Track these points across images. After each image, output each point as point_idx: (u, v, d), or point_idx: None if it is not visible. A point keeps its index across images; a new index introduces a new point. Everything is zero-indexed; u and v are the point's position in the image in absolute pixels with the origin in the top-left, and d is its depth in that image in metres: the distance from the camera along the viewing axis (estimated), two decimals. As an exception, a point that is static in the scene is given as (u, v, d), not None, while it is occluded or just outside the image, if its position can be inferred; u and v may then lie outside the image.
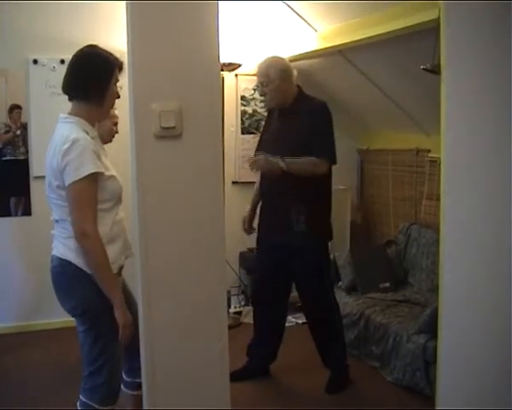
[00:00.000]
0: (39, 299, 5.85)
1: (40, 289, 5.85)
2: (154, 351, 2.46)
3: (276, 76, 4.28)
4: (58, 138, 2.93)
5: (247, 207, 4.70)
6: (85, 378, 3.08)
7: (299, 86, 4.43)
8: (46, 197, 3.06)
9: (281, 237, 4.36)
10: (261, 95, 4.57)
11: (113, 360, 3.02)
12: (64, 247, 2.99)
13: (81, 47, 3.07)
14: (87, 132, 2.92)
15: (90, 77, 2.93)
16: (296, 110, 4.33)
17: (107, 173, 2.89)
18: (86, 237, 2.81)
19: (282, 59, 4.44)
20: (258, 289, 4.82)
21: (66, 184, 2.82)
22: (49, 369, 4.95)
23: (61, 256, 3.01)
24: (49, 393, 4.51)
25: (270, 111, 4.67)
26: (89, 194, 2.82)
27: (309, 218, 4.25)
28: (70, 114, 3.00)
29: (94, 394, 3.03)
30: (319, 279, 4.43)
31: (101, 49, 2.97)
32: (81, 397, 3.08)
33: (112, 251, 2.90)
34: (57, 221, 3.04)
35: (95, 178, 2.82)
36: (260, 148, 4.54)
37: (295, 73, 4.41)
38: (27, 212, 5.78)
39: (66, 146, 2.82)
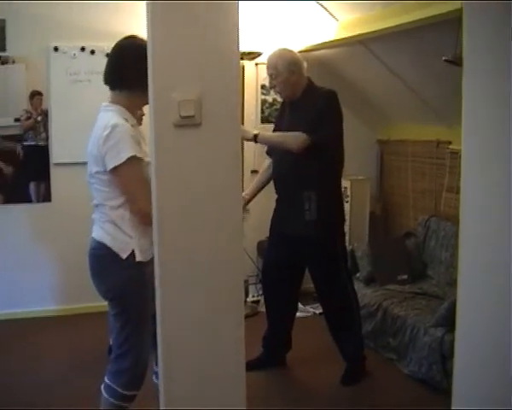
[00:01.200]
0: (57, 285, 5.91)
1: (59, 274, 5.91)
2: (171, 339, 2.46)
3: (283, 68, 4.28)
4: (99, 126, 3.03)
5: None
6: (112, 361, 3.15)
7: (309, 78, 4.41)
8: (87, 183, 3.15)
9: (291, 225, 4.37)
10: (270, 87, 4.57)
11: (139, 347, 3.06)
12: (102, 230, 3.07)
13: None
14: (126, 120, 3.01)
15: (131, 67, 2.98)
16: (305, 102, 4.32)
17: (146, 160, 2.94)
18: (141, 215, 2.92)
19: (291, 51, 4.42)
20: (266, 279, 4.80)
21: (109, 168, 2.92)
22: (65, 355, 5.00)
23: (98, 239, 3.08)
24: (64, 379, 4.56)
25: (283, 103, 4.68)
26: (134, 176, 2.92)
27: (320, 205, 4.24)
28: (111, 102, 3.09)
29: (118, 377, 3.09)
30: (333, 268, 4.43)
31: (141, 39, 2.99)
32: (106, 380, 3.14)
33: (149, 236, 2.87)
34: (97, 206, 3.12)
35: (136, 161, 2.91)
36: None
37: (305, 65, 4.39)
38: (47, 198, 5.82)
39: (106, 132, 2.92)
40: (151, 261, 2.96)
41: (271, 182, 4.59)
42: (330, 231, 4.37)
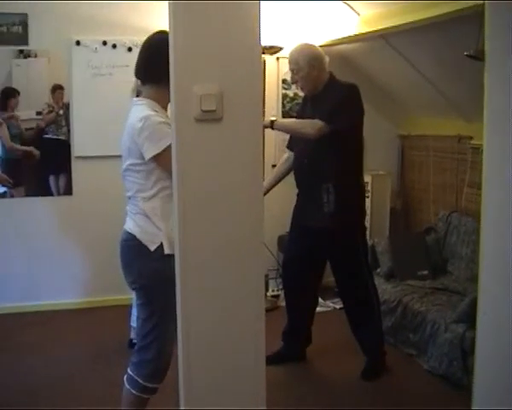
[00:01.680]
0: (80, 277, 5.95)
1: (81, 267, 5.95)
2: (190, 332, 2.47)
3: (304, 64, 4.28)
4: (131, 120, 3.09)
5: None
6: (135, 352, 3.19)
7: (331, 73, 4.40)
8: (121, 175, 3.22)
9: (310, 218, 4.38)
10: (292, 82, 4.61)
11: (163, 339, 3.08)
12: (133, 222, 3.13)
13: (152, 33, 3.22)
14: (157, 112, 3.06)
15: (159, 62, 2.93)
16: (326, 95, 4.32)
17: None
18: None
19: (312, 46, 4.43)
20: (287, 273, 4.79)
21: (149, 157, 2.98)
22: (85, 347, 5.04)
23: (129, 231, 3.13)
24: (85, 371, 4.60)
25: (304, 97, 4.68)
26: None
27: (339, 198, 4.24)
28: (143, 97, 3.16)
29: (141, 369, 3.11)
30: (354, 262, 4.43)
31: (166, 32, 3.01)
32: (128, 371, 3.17)
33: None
34: (129, 198, 3.18)
35: None
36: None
37: (327, 59, 4.38)
38: (68, 191, 5.86)
39: (140, 124, 2.99)
40: None
41: (290, 176, 4.59)
42: (349, 223, 4.35)
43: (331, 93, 4.28)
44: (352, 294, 4.54)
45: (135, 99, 3.21)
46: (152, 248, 3.03)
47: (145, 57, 3.15)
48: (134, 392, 3.11)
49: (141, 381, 3.10)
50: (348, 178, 4.34)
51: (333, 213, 4.25)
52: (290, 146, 4.66)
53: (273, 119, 4.36)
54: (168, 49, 2.74)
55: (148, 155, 2.97)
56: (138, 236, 3.07)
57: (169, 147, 2.87)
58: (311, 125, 4.19)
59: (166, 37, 3.04)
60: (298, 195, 4.57)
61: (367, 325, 4.51)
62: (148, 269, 3.06)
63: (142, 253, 3.05)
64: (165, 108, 3.12)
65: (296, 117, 4.76)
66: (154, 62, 3.08)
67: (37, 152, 5.74)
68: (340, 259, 4.47)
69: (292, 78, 4.46)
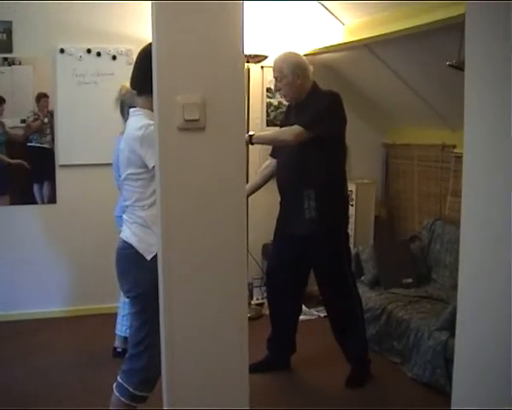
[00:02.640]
0: (64, 286, 5.92)
1: (65, 276, 5.93)
2: (174, 342, 2.47)
3: (288, 72, 4.30)
4: (129, 130, 3.13)
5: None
6: (126, 360, 3.20)
7: (314, 82, 4.41)
8: (116, 186, 3.32)
9: (293, 225, 4.38)
10: (275, 90, 4.66)
11: (155, 348, 3.05)
12: (130, 231, 3.14)
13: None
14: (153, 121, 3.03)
15: (145, 71, 3.02)
16: (308, 104, 4.33)
17: None
18: None
19: (297, 55, 4.45)
20: (270, 282, 4.78)
21: (151, 166, 2.94)
22: (70, 355, 5.01)
23: (125, 239, 3.15)
24: (69, 379, 4.57)
25: (288, 106, 4.70)
26: None
27: (320, 204, 4.26)
28: (140, 107, 3.16)
29: (131, 377, 3.12)
30: (338, 269, 4.43)
31: None
32: (118, 378, 3.17)
33: None
34: (127, 206, 3.20)
35: None
36: None
37: (311, 68, 4.40)
38: (53, 200, 5.84)
39: (139, 133, 3.00)
40: None
41: (273, 184, 4.60)
42: (331, 230, 4.36)
43: (313, 101, 4.30)
44: (335, 302, 4.53)
45: (132, 110, 3.21)
46: (148, 257, 3.04)
47: (140, 68, 3.13)
48: (123, 400, 3.11)
49: (131, 389, 3.10)
50: (330, 185, 4.35)
51: (314, 219, 4.27)
52: (273, 154, 4.68)
53: (251, 133, 4.37)
54: None
55: (152, 162, 2.93)
56: (135, 245, 3.08)
57: None
58: (288, 132, 4.23)
59: None
60: (281, 203, 4.57)
61: (351, 334, 4.51)
62: (144, 278, 3.04)
63: (139, 262, 3.07)
64: None
65: (280, 126, 4.75)
66: (146, 74, 3.06)
67: (27, 165, 5.74)
68: (323, 266, 4.46)
69: (275, 85, 4.49)
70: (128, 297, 3.22)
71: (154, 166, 2.93)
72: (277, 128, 4.57)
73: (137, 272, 3.09)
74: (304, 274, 4.65)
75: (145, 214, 3.08)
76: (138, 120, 3.07)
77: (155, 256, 3.00)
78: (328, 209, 4.31)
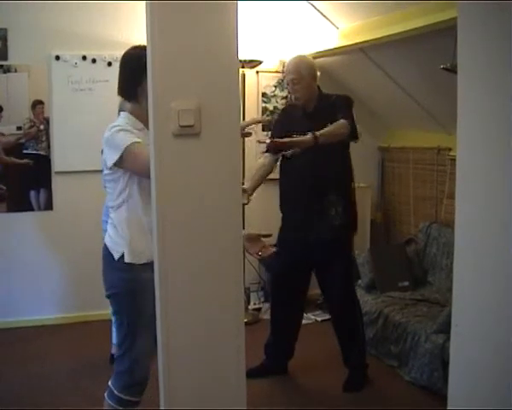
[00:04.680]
0: (61, 293, 5.92)
1: (61, 282, 5.92)
2: (171, 347, 2.47)
3: (306, 73, 4.29)
4: None
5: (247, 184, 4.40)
6: (115, 363, 3.23)
7: (318, 86, 4.43)
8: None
9: (311, 231, 4.34)
10: (290, 92, 4.48)
11: (135, 351, 3.07)
12: (108, 232, 3.17)
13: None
14: (127, 124, 3.06)
15: (126, 77, 3.10)
16: (321, 109, 4.33)
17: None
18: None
19: (310, 58, 4.48)
20: (278, 287, 4.72)
21: (111, 164, 2.99)
22: (70, 362, 5.01)
23: (105, 241, 3.17)
24: (66, 387, 4.57)
25: (285, 111, 4.67)
26: (136, 156, 2.92)
27: (344, 209, 4.27)
28: (127, 112, 3.16)
29: (116, 379, 3.12)
30: (347, 271, 4.45)
31: (142, 47, 3.00)
32: (109, 382, 3.17)
33: (146, 240, 2.94)
34: (108, 208, 3.24)
35: (134, 145, 2.93)
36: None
37: (318, 73, 4.41)
38: (49, 206, 5.84)
39: (107, 134, 3.03)
40: (151, 265, 2.99)
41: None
42: (351, 233, 4.44)
43: (328, 105, 4.31)
44: (341, 306, 4.51)
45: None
46: (116, 256, 3.05)
47: (120, 73, 3.14)
48: (110, 402, 3.10)
49: (116, 392, 3.09)
50: (349, 188, 4.41)
51: (339, 224, 4.27)
52: (272, 150, 4.41)
53: (317, 133, 4.03)
54: (139, 64, 2.78)
55: (110, 162, 2.99)
56: (108, 245, 3.11)
57: (127, 149, 2.92)
58: (340, 125, 4.18)
59: (133, 51, 3.10)
60: (287, 209, 4.51)
61: (353, 337, 4.51)
62: (115, 278, 3.08)
63: (111, 262, 3.08)
64: (145, 123, 2.97)
65: (274, 129, 4.69)
66: (123, 78, 3.12)
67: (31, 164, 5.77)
68: (333, 270, 4.42)
69: (291, 88, 4.38)
70: (107, 297, 3.22)
71: (114, 166, 2.98)
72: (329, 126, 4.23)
73: (111, 272, 3.12)
74: (308, 280, 4.64)
75: (114, 216, 3.11)
76: (115, 122, 3.09)
77: (122, 256, 3.04)
78: (351, 213, 4.36)
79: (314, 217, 4.34)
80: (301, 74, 4.29)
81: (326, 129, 4.11)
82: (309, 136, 4.02)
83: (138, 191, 3.03)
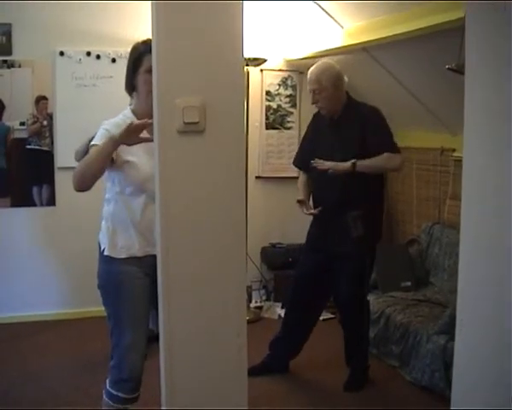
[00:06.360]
0: (63, 288, 5.92)
1: (63, 278, 5.92)
2: (173, 345, 2.47)
3: (328, 84, 4.21)
4: None
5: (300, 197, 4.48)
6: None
7: (347, 93, 4.36)
8: None
9: (334, 243, 4.31)
10: (313, 103, 4.36)
11: (121, 346, 3.06)
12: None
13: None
14: (123, 122, 2.98)
15: (127, 70, 3.09)
16: (348, 118, 4.28)
17: (124, 158, 2.97)
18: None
19: (334, 65, 4.33)
20: (298, 288, 4.65)
21: None
22: (70, 358, 5.01)
23: None
24: (66, 383, 4.57)
25: (315, 118, 4.57)
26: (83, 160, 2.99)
27: (365, 224, 4.17)
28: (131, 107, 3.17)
29: (109, 374, 3.12)
30: (362, 282, 4.38)
31: (144, 40, 3.00)
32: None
33: (128, 236, 3.04)
34: None
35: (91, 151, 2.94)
36: (305, 157, 4.45)
37: (346, 79, 4.33)
38: (52, 202, 5.84)
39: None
40: (133, 261, 3.04)
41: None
42: (369, 247, 4.34)
43: (355, 116, 4.26)
44: (353, 312, 4.47)
45: None
46: (102, 248, 3.11)
47: (127, 69, 3.12)
48: (104, 397, 3.10)
49: (108, 386, 3.09)
50: (375, 202, 4.36)
51: (359, 238, 4.17)
52: (301, 165, 4.57)
53: (354, 161, 4.11)
54: (129, 57, 2.81)
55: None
56: (99, 237, 3.17)
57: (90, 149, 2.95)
58: (394, 161, 4.22)
59: (134, 45, 3.08)
60: (315, 219, 4.46)
61: (360, 341, 4.50)
62: (100, 269, 3.14)
63: (100, 254, 3.13)
64: (144, 116, 2.87)
65: (305, 140, 4.68)
66: (126, 73, 3.11)
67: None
68: (350, 279, 4.36)
69: (313, 98, 4.30)
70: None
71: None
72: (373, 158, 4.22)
73: (99, 264, 3.17)
74: (328, 288, 4.60)
75: (104, 209, 3.18)
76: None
77: (104, 251, 3.09)
78: (373, 228, 4.30)
79: (335, 231, 4.30)
80: (323, 85, 4.21)
81: (368, 161, 4.13)
82: (348, 164, 4.09)
83: (131, 189, 3.03)
